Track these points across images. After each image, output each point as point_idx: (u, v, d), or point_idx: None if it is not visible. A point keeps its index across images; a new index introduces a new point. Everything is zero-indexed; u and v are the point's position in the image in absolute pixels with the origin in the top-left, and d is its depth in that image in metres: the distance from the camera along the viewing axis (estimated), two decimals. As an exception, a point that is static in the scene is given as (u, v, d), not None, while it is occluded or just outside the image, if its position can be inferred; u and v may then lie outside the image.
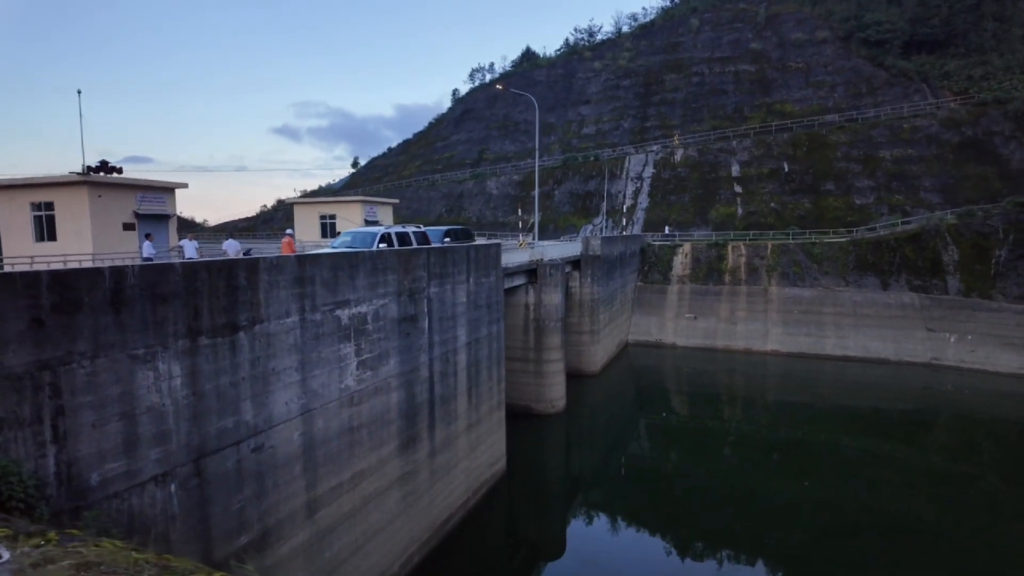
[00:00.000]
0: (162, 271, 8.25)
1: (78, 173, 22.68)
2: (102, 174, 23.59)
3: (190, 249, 17.85)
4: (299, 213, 38.42)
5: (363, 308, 12.47)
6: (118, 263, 9.03)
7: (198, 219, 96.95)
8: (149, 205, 24.36)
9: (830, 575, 15.60)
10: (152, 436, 8.07)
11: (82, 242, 21.89)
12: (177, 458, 8.46)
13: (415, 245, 16.48)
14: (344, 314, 11.90)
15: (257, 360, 9.78)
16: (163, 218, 25.21)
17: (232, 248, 16.19)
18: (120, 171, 24.51)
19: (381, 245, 15.40)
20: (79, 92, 24.42)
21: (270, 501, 10.13)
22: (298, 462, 10.77)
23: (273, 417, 10.12)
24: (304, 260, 10.76)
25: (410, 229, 17.16)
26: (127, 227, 23.54)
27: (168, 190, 25.42)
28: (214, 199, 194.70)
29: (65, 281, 7.10)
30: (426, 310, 15.11)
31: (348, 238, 16.16)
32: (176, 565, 2.97)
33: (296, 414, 10.65)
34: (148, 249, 17.66)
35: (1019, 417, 28.25)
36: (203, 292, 8.82)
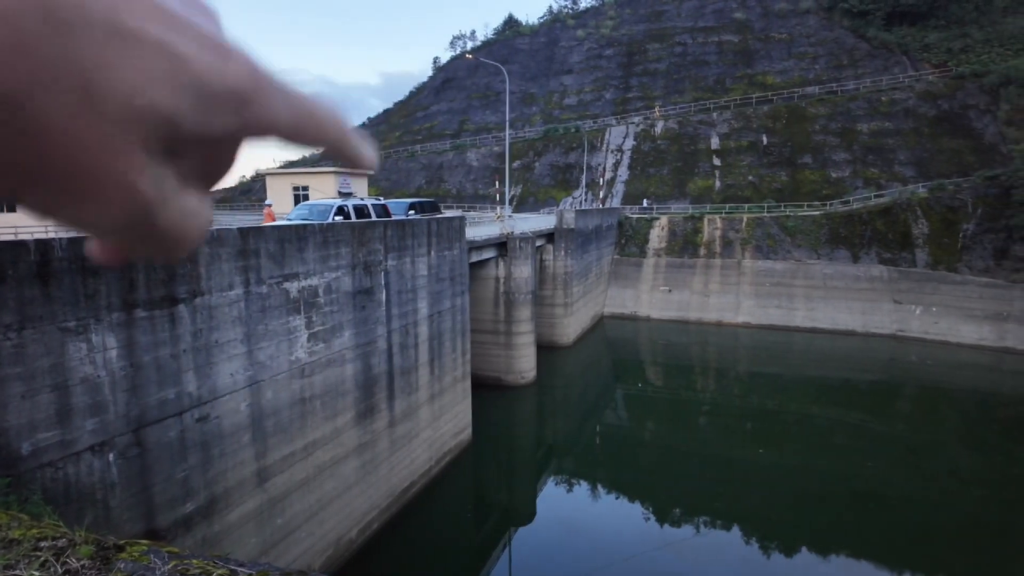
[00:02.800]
0: (92, 244, 8.25)
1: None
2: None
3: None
4: (272, 184, 37.95)
5: (313, 281, 12.54)
6: (72, 236, 9.01)
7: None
8: (112, 176, 24.01)
9: (800, 538, 16.20)
10: (87, 407, 8.19)
11: (42, 214, 21.60)
12: (115, 428, 8.60)
13: (373, 218, 16.48)
14: (293, 287, 11.97)
15: (199, 332, 9.86)
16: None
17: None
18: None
19: (337, 218, 15.39)
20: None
21: (217, 470, 10.34)
22: (246, 432, 10.95)
23: (218, 388, 10.26)
24: (247, 233, 10.78)
25: (369, 201, 17.12)
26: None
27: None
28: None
29: (-14, 254, 7.12)
30: (383, 283, 15.20)
31: (304, 211, 16.12)
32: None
33: (243, 385, 10.80)
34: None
35: (979, 387, 29.13)
36: (137, 265, 8.85)
